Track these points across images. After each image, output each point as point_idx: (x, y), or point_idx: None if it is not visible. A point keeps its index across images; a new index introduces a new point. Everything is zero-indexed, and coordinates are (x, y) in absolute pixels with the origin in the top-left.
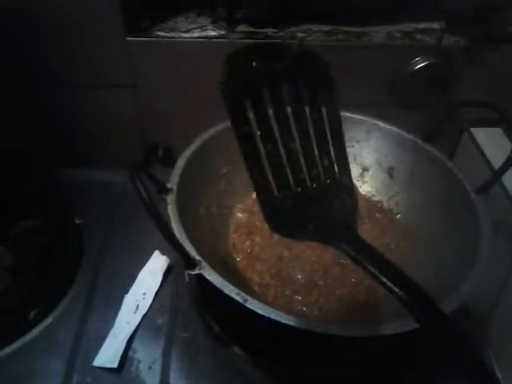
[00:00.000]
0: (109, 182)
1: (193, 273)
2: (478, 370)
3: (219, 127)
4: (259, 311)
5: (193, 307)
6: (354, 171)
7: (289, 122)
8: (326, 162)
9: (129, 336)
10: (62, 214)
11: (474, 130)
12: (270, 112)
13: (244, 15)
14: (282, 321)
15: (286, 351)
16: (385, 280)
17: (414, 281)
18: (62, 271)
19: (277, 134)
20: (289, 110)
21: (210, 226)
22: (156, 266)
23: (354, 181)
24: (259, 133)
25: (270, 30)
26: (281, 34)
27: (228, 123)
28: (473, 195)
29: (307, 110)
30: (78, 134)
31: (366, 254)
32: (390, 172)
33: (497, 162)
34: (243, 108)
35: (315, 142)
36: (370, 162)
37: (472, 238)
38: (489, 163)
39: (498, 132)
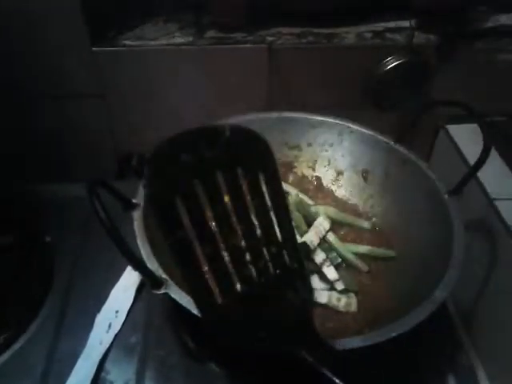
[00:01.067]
0: (81, 197)
1: (158, 292)
2: None
3: None
4: None
5: (167, 323)
6: (329, 175)
7: (228, 213)
8: (274, 250)
9: (101, 356)
10: (32, 232)
11: (450, 128)
12: (205, 205)
13: (213, 20)
14: None
15: (263, 368)
16: None
17: None
18: (31, 292)
19: (215, 232)
20: (227, 200)
21: None
22: (128, 282)
23: (329, 184)
24: (195, 234)
25: (239, 35)
26: (250, 38)
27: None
28: (446, 196)
29: (248, 196)
30: (48, 146)
31: (328, 362)
32: (365, 175)
33: (473, 158)
34: (174, 210)
35: (260, 230)
36: (344, 165)
37: (446, 241)
38: (465, 160)
39: (474, 128)
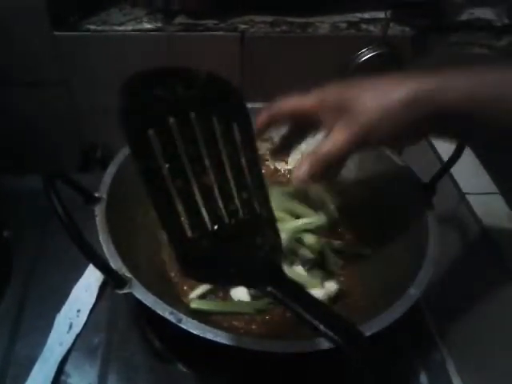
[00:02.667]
0: (41, 190)
1: (121, 292)
2: None
3: None
4: (194, 331)
5: (131, 322)
6: None
7: (201, 155)
8: (244, 196)
9: (60, 359)
10: None
11: None
12: (179, 144)
13: (182, 6)
14: (220, 340)
15: (230, 368)
16: (316, 323)
17: (343, 320)
18: None
19: (187, 168)
20: (200, 141)
21: (149, 234)
22: (91, 280)
23: None
24: (167, 166)
25: (210, 22)
26: (222, 25)
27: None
28: (420, 192)
29: (221, 141)
30: (7, 136)
31: (293, 297)
32: None
33: (446, 153)
34: (146, 139)
35: (231, 174)
36: None
37: (419, 237)
38: (439, 155)
39: None
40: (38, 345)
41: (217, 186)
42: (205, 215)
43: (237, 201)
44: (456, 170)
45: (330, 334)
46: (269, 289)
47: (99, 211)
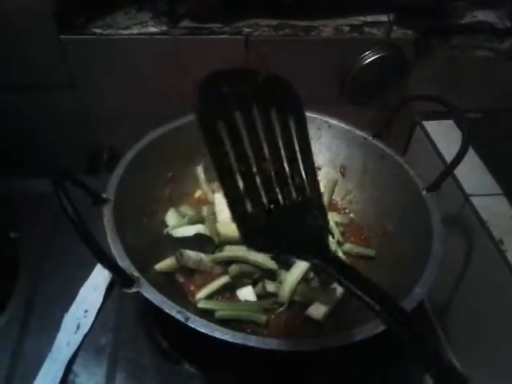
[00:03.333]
0: (48, 192)
1: (129, 291)
2: (437, 362)
3: (161, 130)
4: (202, 330)
5: (139, 323)
6: None
7: (261, 144)
8: (297, 181)
9: (69, 358)
10: None
11: (426, 124)
12: (243, 134)
13: (188, 9)
14: (227, 339)
15: (237, 368)
16: (359, 293)
17: (384, 292)
18: None
19: (250, 155)
20: (260, 132)
21: (155, 234)
22: (98, 280)
23: None
24: (233, 153)
25: (214, 25)
26: (226, 29)
27: (173, 124)
28: (424, 193)
29: (278, 131)
30: (15, 139)
31: (338, 269)
32: (342, 170)
33: (449, 154)
34: (217, 130)
35: (286, 162)
36: (322, 160)
37: (424, 238)
38: (441, 156)
39: (449, 124)
40: (46, 344)
41: (274, 171)
42: (263, 196)
43: (291, 185)
44: (460, 172)
45: (374, 305)
46: (315, 261)
47: (107, 211)
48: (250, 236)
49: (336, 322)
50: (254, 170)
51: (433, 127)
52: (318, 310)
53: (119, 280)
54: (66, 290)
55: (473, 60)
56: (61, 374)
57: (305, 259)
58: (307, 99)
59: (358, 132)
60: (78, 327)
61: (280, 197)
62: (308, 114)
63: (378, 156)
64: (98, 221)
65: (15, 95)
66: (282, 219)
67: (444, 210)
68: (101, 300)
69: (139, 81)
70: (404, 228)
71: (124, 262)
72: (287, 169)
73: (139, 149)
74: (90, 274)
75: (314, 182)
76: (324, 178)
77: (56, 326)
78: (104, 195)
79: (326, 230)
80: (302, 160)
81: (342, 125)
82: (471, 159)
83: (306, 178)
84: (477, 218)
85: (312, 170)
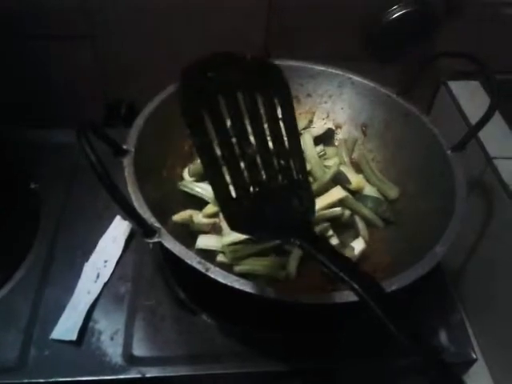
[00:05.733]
0: (67, 144)
1: (151, 241)
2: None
3: None
4: (222, 280)
5: (157, 274)
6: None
7: (246, 129)
8: (283, 163)
9: (89, 306)
10: (16, 178)
11: (451, 84)
12: (227, 119)
13: None
14: (247, 289)
15: (256, 318)
16: (343, 276)
17: (370, 277)
18: (16, 239)
19: (234, 141)
20: (246, 116)
21: (174, 188)
22: (118, 232)
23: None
24: (217, 141)
25: None
26: None
27: None
28: (449, 153)
29: (264, 116)
30: (33, 90)
31: (324, 252)
32: (364, 129)
33: (473, 115)
34: (201, 118)
35: (272, 144)
36: (343, 118)
37: (446, 197)
38: (465, 117)
39: (475, 85)
40: (66, 292)
41: (259, 155)
42: (247, 180)
43: (276, 168)
44: (483, 133)
45: (353, 284)
46: (297, 242)
47: (128, 163)
48: (232, 219)
49: None
50: (239, 154)
51: (457, 87)
52: None
53: (141, 230)
54: (85, 240)
55: (504, 18)
56: (81, 319)
57: (287, 242)
58: (331, 56)
59: (381, 89)
60: (98, 276)
61: (265, 180)
62: (330, 69)
63: (402, 115)
64: (117, 175)
65: (32, 46)
66: (266, 202)
67: (466, 173)
68: (120, 251)
69: (160, 31)
70: (425, 188)
71: (145, 213)
72: (273, 151)
73: (160, 101)
74: (108, 224)
75: (301, 163)
76: (344, 137)
77: (76, 275)
78: (125, 146)
79: (312, 212)
80: (289, 141)
81: (365, 82)
82: (495, 121)
83: (293, 158)
84: (499, 181)
85: (299, 151)
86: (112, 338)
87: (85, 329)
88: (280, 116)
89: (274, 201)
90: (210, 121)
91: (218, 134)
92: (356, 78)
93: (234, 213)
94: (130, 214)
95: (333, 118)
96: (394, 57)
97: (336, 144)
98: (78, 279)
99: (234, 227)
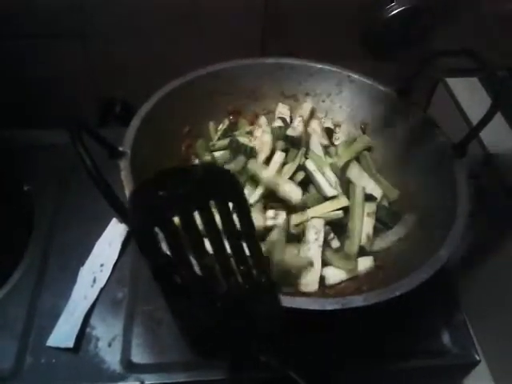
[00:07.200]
0: (61, 145)
1: None
2: None
3: (178, 82)
4: None
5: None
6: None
7: (202, 241)
8: (243, 268)
9: (86, 312)
10: (9, 181)
11: (449, 81)
12: (182, 236)
13: None
14: None
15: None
16: None
17: None
18: (10, 243)
19: (191, 257)
20: (200, 227)
21: None
22: (114, 234)
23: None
24: (174, 259)
25: None
26: None
27: (190, 76)
28: (450, 152)
29: (220, 223)
30: (25, 91)
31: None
32: (363, 127)
33: (472, 113)
34: (155, 240)
35: (231, 251)
36: (342, 117)
37: (447, 197)
38: (464, 114)
39: (473, 82)
40: (62, 297)
41: (219, 265)
42: (207, 291)
43: (237, 272)
44: (483, 130)
45: None
46: (269, 360)
47: (124, 165)
48: (196, 344)
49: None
50: (197, 270)
51: (456, 84)
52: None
53: None
54: (80, 243)
55: (500, 14)
56: (78, 326)
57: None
58: (330, 55)
59: (380, 87)
60: (95, 281)
61: (227, 288)
62: (328, 67)
63: (402, 113)
64: (112, 176)
65: (24, 43)
66: (229, 315)
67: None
68: (116, 254)
69: (152, 30)
70: (426, 188)
71: None
72: (232, 258)
73: (155, 101)
74: (104, 226)
75: (262, 264)
76: (343, 135)
77: (72, 279)
78: (120, 148)
79: (279, 314)
80: (247, 243)
81: (364, 79)
82: (495, 118)
83: (252, 262)
84: (497, 177)
85: (258, 252)
86: (110, 345)
87: (82, 335)
88: (236, 217)
89: (236, 312)
90: (165, 239)
91: (174, 252)
92: (355, 76)
93: (197, 337)
94: (125, 217)
95: (332, 117)
96: (392, 56)
97: (336, 143)
98: (74, 284)
99: (198, 352)
